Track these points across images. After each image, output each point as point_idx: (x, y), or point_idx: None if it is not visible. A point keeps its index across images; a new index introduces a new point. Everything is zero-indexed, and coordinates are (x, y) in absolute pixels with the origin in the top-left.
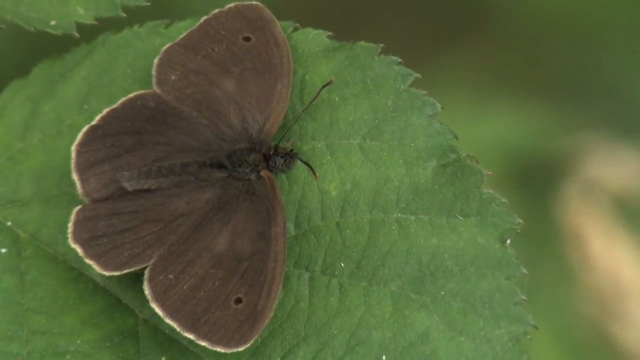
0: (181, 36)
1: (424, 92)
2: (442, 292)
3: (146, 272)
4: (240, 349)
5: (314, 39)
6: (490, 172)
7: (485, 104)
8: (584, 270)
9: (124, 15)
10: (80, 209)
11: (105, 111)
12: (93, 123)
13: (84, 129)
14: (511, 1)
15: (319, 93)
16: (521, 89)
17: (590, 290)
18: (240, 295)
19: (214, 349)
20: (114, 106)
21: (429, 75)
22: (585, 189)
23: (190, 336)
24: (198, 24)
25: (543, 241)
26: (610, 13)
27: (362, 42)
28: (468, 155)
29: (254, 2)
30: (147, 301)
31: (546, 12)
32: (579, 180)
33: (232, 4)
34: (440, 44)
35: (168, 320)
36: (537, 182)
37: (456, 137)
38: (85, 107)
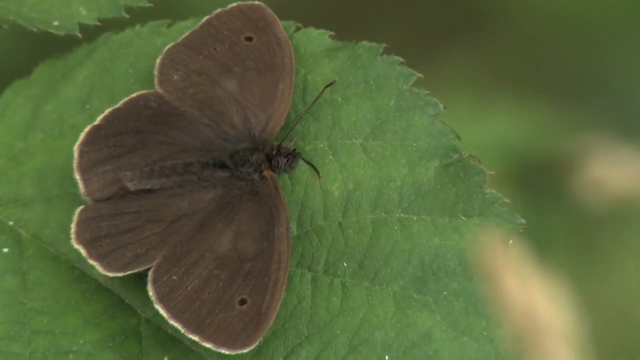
0: (183, 36)
1: (426, 92)
2: (445, 292)
3: (150, 273)
4: (244, 351)
5: (316, 38)
6: (493, 172)
7: (486, 104)
8: (501, 309)
9: (127, 16)
10: (82, 209)
11: (107, 111)
12: (95, 123)
13: (86, 129)
14: (511, 1)
15: (321, 93)
16: (522, 89)
17: (509, 329)
18: (244, 297)
19: (219, 350)
20: (116, 106)
21: (430, 75)
22: None
23: (195, 337)
24: (200, 23)
25: None
26: (611, 13)
27: (364, 42)
28: (470, 155)
29: (256, 2)
30: (149, 301)
31: (547, 12)
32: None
33: (234, 4)
34: (440, 44)
35: (172, 322)
36: (538, 182)
37: (458, 137)
38: (87, 107)
